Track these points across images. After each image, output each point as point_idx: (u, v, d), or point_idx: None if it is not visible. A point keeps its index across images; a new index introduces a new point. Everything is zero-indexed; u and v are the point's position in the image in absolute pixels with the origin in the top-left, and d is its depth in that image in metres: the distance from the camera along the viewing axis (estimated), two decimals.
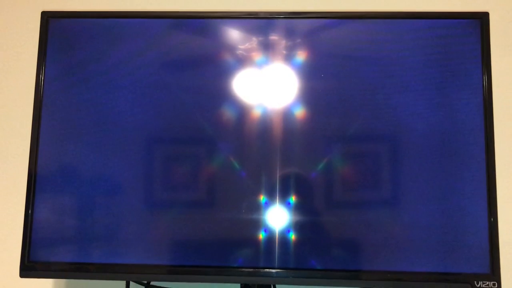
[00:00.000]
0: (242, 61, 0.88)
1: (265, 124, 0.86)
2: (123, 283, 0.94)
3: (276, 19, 0.88)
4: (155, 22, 0.90)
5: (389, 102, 0.85)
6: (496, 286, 0.80)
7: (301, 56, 0.87)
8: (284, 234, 0.83)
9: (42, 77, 0.89)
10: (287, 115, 0.86)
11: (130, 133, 0.87)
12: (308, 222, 0.83)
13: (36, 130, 0.87)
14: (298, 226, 0.83)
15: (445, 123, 0.84)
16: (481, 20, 0.87)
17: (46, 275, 0.87)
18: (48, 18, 0.91)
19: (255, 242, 0.83)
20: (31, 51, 1.11)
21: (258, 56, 0.87)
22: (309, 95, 0.86)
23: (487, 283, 0.80)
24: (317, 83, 0.87)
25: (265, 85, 0.87)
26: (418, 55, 0.86)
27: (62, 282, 1.06)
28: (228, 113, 0.86)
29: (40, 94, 0.88)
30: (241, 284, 0.90)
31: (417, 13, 0.88)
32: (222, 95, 0.87)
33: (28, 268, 0.85)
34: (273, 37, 0.88)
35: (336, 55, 0.87)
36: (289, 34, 0.88)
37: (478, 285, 0.80)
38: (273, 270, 0.82)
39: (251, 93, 0.87)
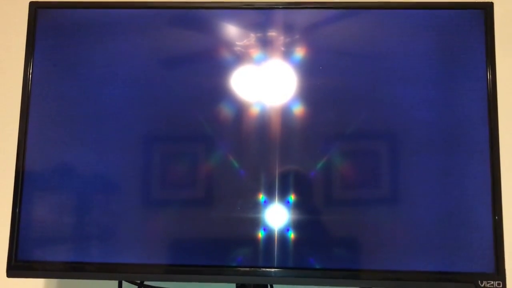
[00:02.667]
0: (239, 55, 0.85)
1: (264, 121, 0.84)
2: (115, 283, 0.92)
3: (273, 10, 0.86)
4: (148, 13, 0.87)
5: (391, 97, 0.84)
6: (501, 286, 0.78)
7: (300, 51, 0.85)
8: (283, 233, 0.81)
9: (30, 70, 0.86)
10: (286, 112, 0.84)
11: (122, 129, 0.85)
12: (307, 221, 0.82)
13: (24, 125, 0.85)
14: (297, 225, 0.81)
15: (448, 118, 0.83)
16: (485, 11, 0.85)
17: (34, 274, 0.85)
18: (37, 9, 0.88)
19: (253, 241, 0.81)
20: (19, 43, 1.09)
21: (255, 50, 0.85)
22: (309, 92, 0.84)
23: (492, 282, 0.79)
24: (316, 78, 0.85)
25: (263, 81, 0.85)
26: (420, 47, 0.84)
27: (53, 282, 1.04)
28: (226, 110, 0.84)
29: (28, 88, 0.86)
30: (236, 284, 0.88)
31: (420, 3, 0.86)
32: (220, 90, 0.85)
33: (16, 268, 0.82)
34: (271, 29, 0.86)
35: (335, 49, 0.86)
36: (287, 26, 0.86)
37: (482, 285, 0.79)
38: (272, 270, 0.81)
39: (249, 89, 0.85)
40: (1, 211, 1.05)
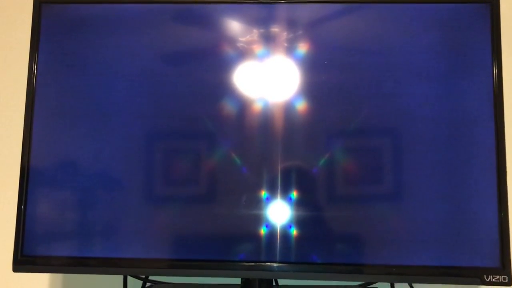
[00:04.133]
0: (242, 51, 0.85)
1: (266, 118, 0.83)
2: (120, 277, 0.92)
3: (276, 5, 0.85)
4: (152, 7, 0.87)
5: (395, 92, 0.83)
6: (506, 281, 0.78)
7: (303, 46, 0.84)
8: (285, 229, 0.81)
9: (35, 65, 0.86)
10: (288, 108, 0.83)
11: (126, 124, 0.85)
12: (310, 217, 0.81)
13: (29, 121, 0.85)
14: (299, 221, 0.81)
15: (453, 113, 0.82)
16: (491, 4, 0.83)
17: (39, 269, 0.85)
18: (41, 3, 0.88)
19: (256, 236, 0.81)
20: (23, 39, 1.09)
21: (258, 46, 0.85)
22: (311, 88, 0.84)
23: (497, 277, 0.78)
24: (319, 74, 0.84)
25: (266, 77, 0.84)
26: (425, 42, 0.83)
27: (58, 277, 1.05)
28: (228, 107, 0.84)
29: (33, 84, 0.86)
30: (241, 279, 0.88)
31: None
32: (222, 86, 0.84)
33: (21, 263, 0.83)
34: (274, 24, 0.85)
35: (339, 44, 0.85)
36: (291, 21, 0.85)
37: (488, 279, 0.78)
38: (275, 264, 0.80)
39: (252, 85, 0.84)
40: (7, 207, 1.06)
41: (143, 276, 0.91)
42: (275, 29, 0.85)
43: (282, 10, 0.85)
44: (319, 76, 0.84)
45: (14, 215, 0.84)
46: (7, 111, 1.10)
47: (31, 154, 0.84)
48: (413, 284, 0.85)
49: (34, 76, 0.86)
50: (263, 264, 0.80)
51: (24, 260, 0.83)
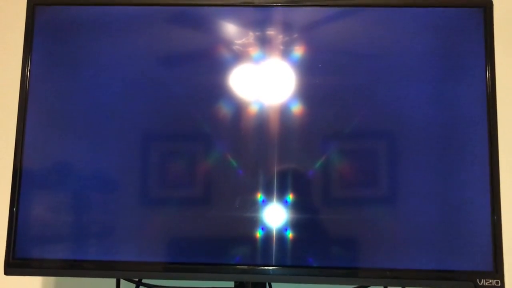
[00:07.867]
0: (237, 53, 0.85)
1: (262, 120, 0.83)
2: (113, 281, 0.91)
3: (272, 8, 0.86)
4: (147, 10, 0.87)
5: (389, 95, 0.83)
6: (499, 285, 0.78)
7: (298, 49, 0.85)
8: (281, 232, 0.81)
9: (28, 67, 0.86)
10: (285, 111, 0.83)
11: (120, 127, 0.84)
12: (305, 220, 0.81)
13: (22, 123, 0.85)
14: (295, 224, 0.81)
15: (447, 117, 0.82)
16: (484, 9, 0.84)
17: (31, 272, 0.85)
18: (35, 6, 0.87)
19: (252, 240, 0.81)
20: (17, 41, 1.08)
21: (254, 49, 0.85)
22: (307, 90, 0.84)
23: (490, 281, 0.79)
24: (315, 77, 0.84)
25: (262, 79, 0.85)
26: (419, 45, 0.84)
27: (51, 280, 1.04)
28: (224, 109, 0.84)
29: (26, 86, 0.85)
30: (235, 283, 0.88)
31: (418, 2, 0.85)
32: (218, 89, 0.84)
33: (13, 266, 0.82)
34: (270, 27, 0.85)
35: (334, 48, 0.85)
36: (287, 24, 0.85)
37: (481, 283, 0.78)
38: (270, 268, 0.80)
39: (247, 88, 0.84)
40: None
41: (136, 279, 0.91)
42: (271, 32, 0.85)
43: (278, 13, 0.86)
44: (315, 79, 0.84)
45: (6, 217, 0.83)
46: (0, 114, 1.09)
47: (24, 156, 0.84)
48: None
49: (28, 78, 0.86)
50: (257, 267, 0.80)
51: (16, 263, 0.82)
